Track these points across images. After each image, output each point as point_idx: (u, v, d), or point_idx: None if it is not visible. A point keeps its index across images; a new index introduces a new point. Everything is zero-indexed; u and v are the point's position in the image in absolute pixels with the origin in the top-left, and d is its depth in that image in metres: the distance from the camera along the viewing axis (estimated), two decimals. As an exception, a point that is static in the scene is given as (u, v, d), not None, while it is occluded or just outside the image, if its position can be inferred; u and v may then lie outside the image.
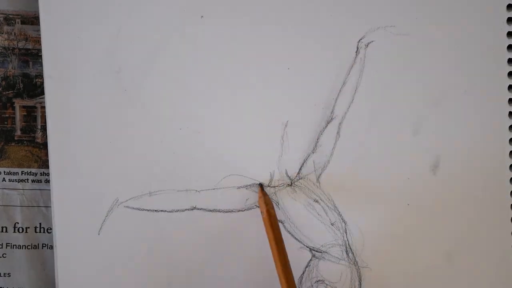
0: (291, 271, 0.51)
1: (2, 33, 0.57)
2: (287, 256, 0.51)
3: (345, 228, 0.54)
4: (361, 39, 0.54)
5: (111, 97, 0.54)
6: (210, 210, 0.54)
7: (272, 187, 0.54)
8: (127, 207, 0.54)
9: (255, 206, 0.54)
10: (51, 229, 0.56)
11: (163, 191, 0.54)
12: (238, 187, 0.54)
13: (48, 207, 0.57)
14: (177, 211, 0.54)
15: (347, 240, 0.54)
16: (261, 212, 0.52)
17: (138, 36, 0.54)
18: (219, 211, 0.54)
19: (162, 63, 0.54)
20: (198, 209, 0.54)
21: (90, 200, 0.54)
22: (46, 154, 0.55)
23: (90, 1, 0.54)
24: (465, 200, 0.54)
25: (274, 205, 0.54)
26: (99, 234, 0.54)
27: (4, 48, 0.57)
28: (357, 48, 0.54)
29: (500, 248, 0.55)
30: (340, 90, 0.54)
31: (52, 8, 0.53)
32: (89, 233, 0.54)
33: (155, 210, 0.54)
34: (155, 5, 0.54)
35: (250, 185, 0.54)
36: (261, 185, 0.53)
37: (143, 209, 0.54)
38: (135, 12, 0.54)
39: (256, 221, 0.54)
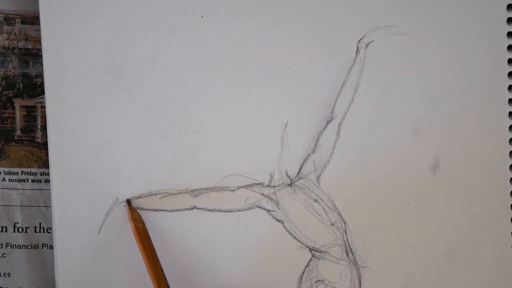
0: (164, 283, 0.51)
1: (2, 33, 0.57)
2: (159, 267, 0.51)
3: (345, 228, 0.54)
4: (361, 39, 0.54)
5: (111, 96, 0.54)
6: (210, 210, 0.54)
7: (272, 187, 0.54)
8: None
9: (255, 206, 0.54)
10: (51, 229, 0.56)
11: (163, 190, 0.54)
12: (238, 187, 0.54)
13: (48, 207, 0.57)
14: (177, 210, 0.54)
15: (347, 240, 0.54)
16: (131, 228, 0.52)
17: (138, 35, 0.53)
18: (219, 210, 0.54)
19: (162, 63, 0.54)
20: (198, 208, 0.54)
21: (90, 199, 0.54)
22: (46, 154, 0.55)
23: (90, 1, 0.53)
24: (465, 200, 0.54)
25: (274, 205, 0.54)
26: (99, 234, 0.54)
27: (4, 48, 0.57)
28: (357, 48, 0.54)
29: (500, 248, 0.55)
30: (340, 90, 0.54)
31: (52, 8, 0.53)
32: (89, 233, 0.54)
33: (155, 210, 0.54)
34: (155, 5, 0.53)
35: (250, 185, 0.54)
36: (128, 201, 0.54)
37: (143, 209, 0.54)
38: (135, 12, 0.53)
39: (256, 221, 0.54)
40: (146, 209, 0.54)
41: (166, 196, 0.54)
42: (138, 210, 0.53)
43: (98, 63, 0.54)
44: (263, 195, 0.54)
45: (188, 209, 0.54)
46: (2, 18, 0.56)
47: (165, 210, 0.54)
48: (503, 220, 0.55)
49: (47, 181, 0.56)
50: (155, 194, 0.54)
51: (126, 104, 0.54)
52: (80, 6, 0.53)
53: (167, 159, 0.54)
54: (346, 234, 0.54)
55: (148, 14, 0.54)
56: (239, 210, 0.54)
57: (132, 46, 0.54)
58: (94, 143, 0.54)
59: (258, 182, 0.54)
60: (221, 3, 0.54)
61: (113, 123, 0.54)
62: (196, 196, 0.54)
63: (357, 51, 0.54)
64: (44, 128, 0.56)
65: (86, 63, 0.54)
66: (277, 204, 0.54)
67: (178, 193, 0.54)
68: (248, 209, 0.54)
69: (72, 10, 0.53)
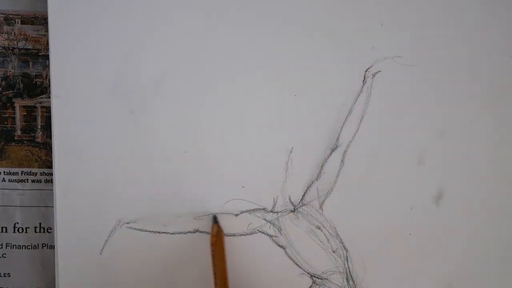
0: None
1: (2, 33, 0.56)
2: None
3: (347, 256, 0.54)
4: (368, 68, 0.53)
5: (118, 118, 0.53)
6: (213, 234, 0.54)
7: (275, 212, 0.54)
8: (130, 227, 0.53)
9: (257, 231, 0.54)
10: (51, 229, 0.57)
11: (167, 213, 0.54)
12: (241, 212, 0.54)
13: (48, 207, 0.57)
14: (179, 233, 0.54)
15: (348, 268, 0.55)
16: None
17: (146, 59, 0.53)
18: (221, 234, 0.54)
19: (169, 86, 0.53)
20: (200, 232, 0.54)
21: (93, 220, 0.54)
22: (46, 154, 0.55)
23: (100, 24, 0.53)
24: (468, 232, 0.55)
25: (276, 230, 0.54)
26: (101, 254, 0.54)
27: (4, 48, 0.56)
28: (364, 77, 0.53)
29: (502, 281, 0.55)
30: (346, 118, 0.54)
31: (62, 30, 0.53)
32: (91, 253, 0.54)
33: (158, 232, 0.54)
34: (163, 29, 0.53)
35: (253, 209, 0.54)
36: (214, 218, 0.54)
37: (146, 230, 0.54)
38: (144, 35, 0.53)
39: (258, 246, 0.54)
40: (149, 231, 0.54)
41: (168, 218, 0.54)
42: (140, 231, 0.53)
43: (106, 85, 0.53)
44: (266, 220, 0.54)
45: (190, 232, 0.54)
46: (2, 18, 0.56)
47: (168, 233, 0.54)
48: (506, 253, 0.55)
49: (47, 181, 0.56)
50: (158, 217, 0.54)
51: (132, 126, 0.53)
52: (89, 28, 0.53)
53: (171, 181, 0.54)
54: (348, 262, 0.55)
55: (157, 38, 0.53)
56: (241, 235, 0.54)
57: (140, 69, 0.53)
58: (99, 163, 0.54)
59: (261, 207, 0.54)
60: (230, 29, 0.53)
61: (118, 144, 0.54)
62: (199, 219, 0.54)
63: (364, 80, 0.53)
64: (43, 128, 0.56)
65: (93, 84, 0.53)
66: (280, 229, 0.54)
67: (180, 217, 0.54)
68: (251, 233, 0.54)
69: (81, 32, 0.53)
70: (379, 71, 0.53)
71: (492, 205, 0.55)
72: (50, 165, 0.55)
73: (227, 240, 0.54)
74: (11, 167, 0.57)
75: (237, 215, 0.54)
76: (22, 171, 0.57)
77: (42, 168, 0.57)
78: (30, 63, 0.57)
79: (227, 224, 0.54)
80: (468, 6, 0.54)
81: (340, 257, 0.54)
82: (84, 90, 0.53)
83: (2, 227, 0.57)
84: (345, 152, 0.54)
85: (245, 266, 0.54)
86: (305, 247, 0.55)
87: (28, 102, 0.57)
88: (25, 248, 0.57)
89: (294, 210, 0.54)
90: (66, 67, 0.53)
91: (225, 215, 0.54)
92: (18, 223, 0.57)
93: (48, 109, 0.55)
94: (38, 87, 0.56)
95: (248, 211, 0.54)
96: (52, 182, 0.55)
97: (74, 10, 0.53)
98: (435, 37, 0.54)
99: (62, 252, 0.54)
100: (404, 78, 0.53)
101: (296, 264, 0.55)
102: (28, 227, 0.57)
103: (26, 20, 0.56)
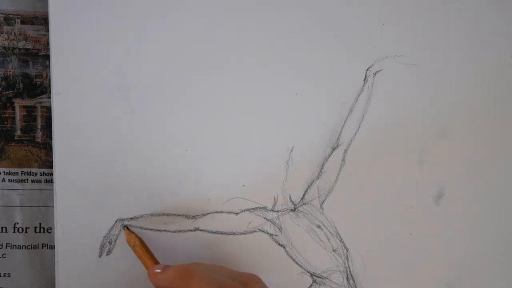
0: None
1: (2, 33, 0.56)
2: None
3: (347, 255, 0.55)
4: (369, 67, 0.53)
5: (118, 116, 0.53)
6: (213, 232, 0.54)
7: (275, 211, 0.54)
8: (130, 225, 0.53)
9: (257, 230, 0.54)
10: (51, 229, 0.57)
11: (166, 212, 0.54)
12: (242, 210, 0.54)
13: (48, 207, 0.56)
14: (179, 231, 0.54)
15: (348, 267, 0.55)
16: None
17: (147, 56, 0.53)
18: (221, 233, 0.54)
19: (170, 84, 0.53)
20: (200, 230, 0.54)
21: (94, 220, 0.54)
22: (46, 154, 0.55)
23: (100, 22, 0.53)
24: (468, 232, 0.55)
25: (277, 229, 0.54)
26: (100, 256, 0.54)
27: (4, 48, 0.56)
28: (366, 76, 0.53)
29: (501, 281, 0.55)
30: (346, 117, 0.54)
31: (63, 27, 0.52)
32: (91, 252, 0.54)
33: (158, 230, 0.54)
34: (164, 26, 0.53)
35: (253, 208, 0.54)
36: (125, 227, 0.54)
37: (146, 229, 0.54)
38: (144, 33, 0.53)
39: (258, 245, 0.54)
40: (149, 229, 0.54)
41: (168, 217, 0.54)
42: (140, 230, 0.53)
43: (106, 83, 0.53)
44: (266, 219, 0.54)
45: (190, 230, 0.54)
46: (2, 18, 0.56)
47: (168, 231, 0.54)
48: (506, 253, 0.55)
49: (47, 181, 0.56)
50: (158, 215, 0.54)
51: (133, 124, 0.53)
52: (90, 27, 0.53)
53: (172, 180, 0.54)
54: (348, 261, 0.55)
55: (157, 37, 0.53)
56: (241, 233, 0.54)
57: (141, 67, 0.53)
58: (99, 162, 0.53)
59: (261, 206, 0.54)
60: (231, 28, 0.53)
61: (118, 142, 0.53)
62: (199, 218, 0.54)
63: (365, 79, 0.53)
64: (43, 128, 0.56)
65: (94, 83, 0.53)
66: (280, 228, 0.54)
67: (180, 215, 0.54)
68: (251, 232, 0.54)
69: (83, 30, 0.53)
70: (380, 70, 0.53)
71: (492, 205, 0.55)
72: (50, 165, 0.55)
73: (227, 239, 0.54)
74: (11, 167, 0.57)
75: (237, 213, 0.54)
76: (22, 171, 0.57)
77: (42, 168, 0.57)
78: (30, 63, 0.57)
79: (227, 223, 0.54)
80: (469, 5, 0.54)
81: (341, 256, 0.55)
82: (84, 88, 0.53)
83: (2, 227, 0.57)
84: (345, 151, 0.54)
85: (245, 265, 0.54)
86: (306, 246, 0.55)
87: (28, 102, 0.56)
88: (25, 248, 0.57)
89: (295, 209, 0.54)
90: (67, 66, 0.53)
91: (225, 214, 0.54)
92: (18, 223, 0.57)
93: (48, 109, 0.55)
94: (38, 87, 0.56)
95: (249, 210, 0.54)
96: (52, 182, 0.55)
97: (75, 8, 0.53)
98: (436, 37, 0.54)
99: (62, 252, 0.54)
100: (405, 77, 0.54)
101: (297, 263, 0.55)
102: (28, 227, 0.57)
103: (26, 20, 0.56)
